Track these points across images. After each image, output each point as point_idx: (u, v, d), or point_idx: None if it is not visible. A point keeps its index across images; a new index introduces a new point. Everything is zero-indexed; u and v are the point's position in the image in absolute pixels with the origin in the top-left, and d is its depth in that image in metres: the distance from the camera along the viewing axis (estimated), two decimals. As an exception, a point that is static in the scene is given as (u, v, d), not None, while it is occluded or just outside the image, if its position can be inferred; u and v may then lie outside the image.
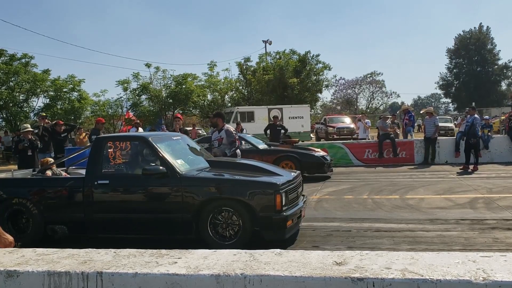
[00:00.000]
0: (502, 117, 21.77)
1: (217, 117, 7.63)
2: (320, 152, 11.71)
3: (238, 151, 7.58)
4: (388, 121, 14.76)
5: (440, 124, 17.56)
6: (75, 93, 26.10)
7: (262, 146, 11.72)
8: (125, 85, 27.06)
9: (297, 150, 11.58)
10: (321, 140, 26.06)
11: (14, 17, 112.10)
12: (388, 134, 14.09)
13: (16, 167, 10.41)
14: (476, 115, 11.84)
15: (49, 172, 6.40)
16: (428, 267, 1.97)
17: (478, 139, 11.75)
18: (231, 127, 7.60)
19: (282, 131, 14.63)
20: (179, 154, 5.96)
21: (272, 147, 11.89)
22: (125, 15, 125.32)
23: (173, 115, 24.95)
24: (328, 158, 11.49)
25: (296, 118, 26.06)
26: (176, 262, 2.23)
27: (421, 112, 21.43)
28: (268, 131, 14.68)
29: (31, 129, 9.65)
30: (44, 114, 12.89)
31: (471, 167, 11.48)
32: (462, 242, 5.14)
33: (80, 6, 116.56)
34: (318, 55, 33.14)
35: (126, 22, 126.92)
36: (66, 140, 11.78)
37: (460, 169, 11.58)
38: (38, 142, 9.69)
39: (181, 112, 27.03)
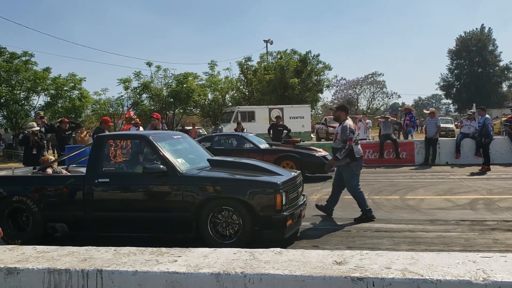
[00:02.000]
0: (503, 119, 21.76)
1: (340, 110, 6.72)
2: (321, 152, 11.68)
3: (358, 149, 6.53)
4: (389, 121, 14.74)
5: (441, 125, 17.54)
6: (76, 92, 26.11)
7: (263, 145, 11.72)
8: (126, 83, 27.06)
9: (298, 149, 11.56)
10: (322, 140, 26.08)
11: (14, 15, 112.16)
12: (389, 134, 14.10)
13: (16, 164, 10.42)
14: (487, 115, 11.82)
15: (49, 170, 6.39)
16: (428, 267, 1.97)
17: (491, 139, 11.71)
18: (351, 123, 6.57)
19: (285, 131, 14.64)
20: (180, 153, 5.96)
21: (274, 147, 11.88)
22: (126, 15, 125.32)
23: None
24: (329, 158, 11.46)
25: (297, 118, 26.09)
26: (176, 261, 2.23)
27: (424, 111, 21.37)
28: (271, 131, 14.74)
29: (37, 128, 9.65)
30: (42, 113, 12.87)
31: (479, 167, 11.42)
32: (462, 243, 5.14)
33: (80, 6, 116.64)
34: (319, 55, 33.21)
35: (127, 21, 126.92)
36: (71, 138, 11.77)
37: (479, 170, 11.51)
38: (45, 142, 9.72)
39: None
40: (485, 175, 10.80)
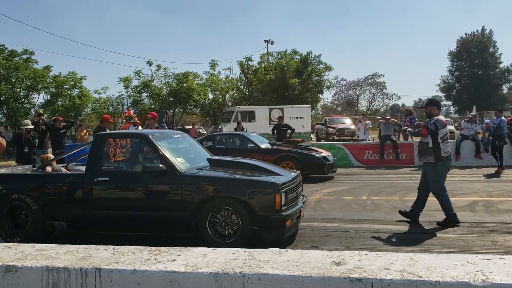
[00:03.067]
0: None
1: (430, 105, 6.21)
2: (322, 153, 11.60)
3: (445, 147, 6.01)
4: (389, 122, 14.74)
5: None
6: (76, 90, 26.12)
7: (264, 145, 11.68)
8: (127, 82, 27.08)
9: (297, 150, 11.52)
10: (322, 140, 26.07)
11: (14, 13, 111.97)
12: (389, 135, 14.10)
13: (16, 163, 10.42)
14: (502, 117, 11.77)
15: (49, 168, 6.39)
16: (427, 268, 1.97)
17: (505, 141, 11.64)
18: (443, 118, 6.13)
19: (289, 131, 14.60)
20: (180, 152, 5.96)
21: (274, 147, 11.84)
22: (127, 14, 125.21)
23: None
24: (330, 158, 11.41)
25: (297, 119, 26.10)
26: (175, 260, 2.23)
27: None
28: (275, 132, 14.74)
29: (31, 126, 9.64)
30: (41, 111, 12.87)
31: (495, 169, 11.39)
32: (461, 245, 5.14)
33: (81, 4, 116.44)
34: (319, 56, 33.23)
35: (127, 20, 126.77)
36: (65, 136, 11.76)
37: (496, 172, 11.41)
38: (37, 140, 9.72)
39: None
40: (484, 177, 10.80)
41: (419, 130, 6.19)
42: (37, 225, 5.50)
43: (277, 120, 16.57)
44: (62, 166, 6.84)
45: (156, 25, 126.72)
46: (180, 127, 28.39)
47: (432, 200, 7.95)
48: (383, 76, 65.38)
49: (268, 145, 11.81)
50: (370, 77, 60.91)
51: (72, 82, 25.86)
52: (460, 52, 62.94)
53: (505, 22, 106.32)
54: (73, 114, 24.59)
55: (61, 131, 11.03)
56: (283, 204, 4.99)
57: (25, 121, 10.49)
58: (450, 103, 70.43)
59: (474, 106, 36.92)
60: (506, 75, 61.54)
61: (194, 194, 5.16)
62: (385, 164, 13.74)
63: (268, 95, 30.66)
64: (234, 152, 10.58)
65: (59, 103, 25.14)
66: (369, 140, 16.42)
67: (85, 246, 2.55)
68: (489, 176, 10.99)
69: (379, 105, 61.96)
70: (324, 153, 11.73)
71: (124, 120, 23.84)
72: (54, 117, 12.43)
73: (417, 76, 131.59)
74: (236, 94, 32.74)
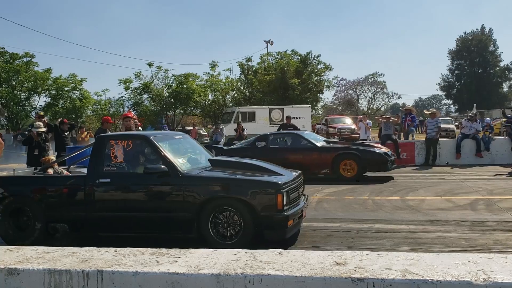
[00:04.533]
0: (503, 119, 21.78)
1: None
2: (381, 149, 11.07)
3: None
4: (390, 122, 14.74)
5: (442, 126, 17.54)
6: (77, 92, 26.17)
7: (320, 143, 11.11)
8: (127, 84, 27.14)
9: (357, 146, 10.91)
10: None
11: (13, 15, 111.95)
12: (390, 135, 14.09)
13: (17, 165, 10.43)
14: None
15: (50, 171, 6.40)
16: (429, 267, 1.98)
17: None
18: None
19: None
20: (181, 153, 5.97)
21: (331, 144, 11.28)
22: (126, 14, 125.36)
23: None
24: (390, 154, 10.98)
25: (297, 119, 26.11)
26: (176, 261, 2.24)
27: (425, 112, 21.43)
28: (281, 131, 14.69)
29: (42, 129, 9.64)
30: (42, 113, 12.89)
31: (510, 169, 11.26)
32: (463, 244, 5.14)
33: (80, 5, 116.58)
34: (319, 56, 33.28)
35: (127, 22, 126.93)
36: (69, 138, 11.80)
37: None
38: (47, 144, 9.74)
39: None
40: (485, 176, 10.78)
41: None
42: (39, 227, 5.50)
43: (278, 120, 16.56)
44: (63, 168, 6.84)
45: (155, 26, 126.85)
46: (181, 128, 28.43)
47: (434, 199, 7.97)
48: (383, 76, 65.41)
49: (324, 143, 11.26)
50: (370, 76, 60.85)
51: (73, 84, 25.92)
52: (460, 50, 62.97)
53: (504, 20, 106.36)
54: (73, 116, 24.63)
55: (65, 133, 11.10)
56: (285, 204, 4.98)
57: (36, 123, 10.44)
58: (450, 102, 70.57)
59: (475, 105, 36.88)
60: (507, 73, 61.55)
61: (195, 195, 5.16)
62: (386, 164, 13.70)
63: (268, 96, 30.71)
64: (289, 151, 10.31)
65: (60, 105, 25.20)
66: (370, 140, 16.41)
67: (87, 248, 2.56)
68: (510, 174, 10.87)
69: (379, 104, 61.88)
70: (384, 148, 11.17)
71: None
72: (60, 119, 12.45)
73: (417, 75, 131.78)
74: (236, 94, 32.80)
